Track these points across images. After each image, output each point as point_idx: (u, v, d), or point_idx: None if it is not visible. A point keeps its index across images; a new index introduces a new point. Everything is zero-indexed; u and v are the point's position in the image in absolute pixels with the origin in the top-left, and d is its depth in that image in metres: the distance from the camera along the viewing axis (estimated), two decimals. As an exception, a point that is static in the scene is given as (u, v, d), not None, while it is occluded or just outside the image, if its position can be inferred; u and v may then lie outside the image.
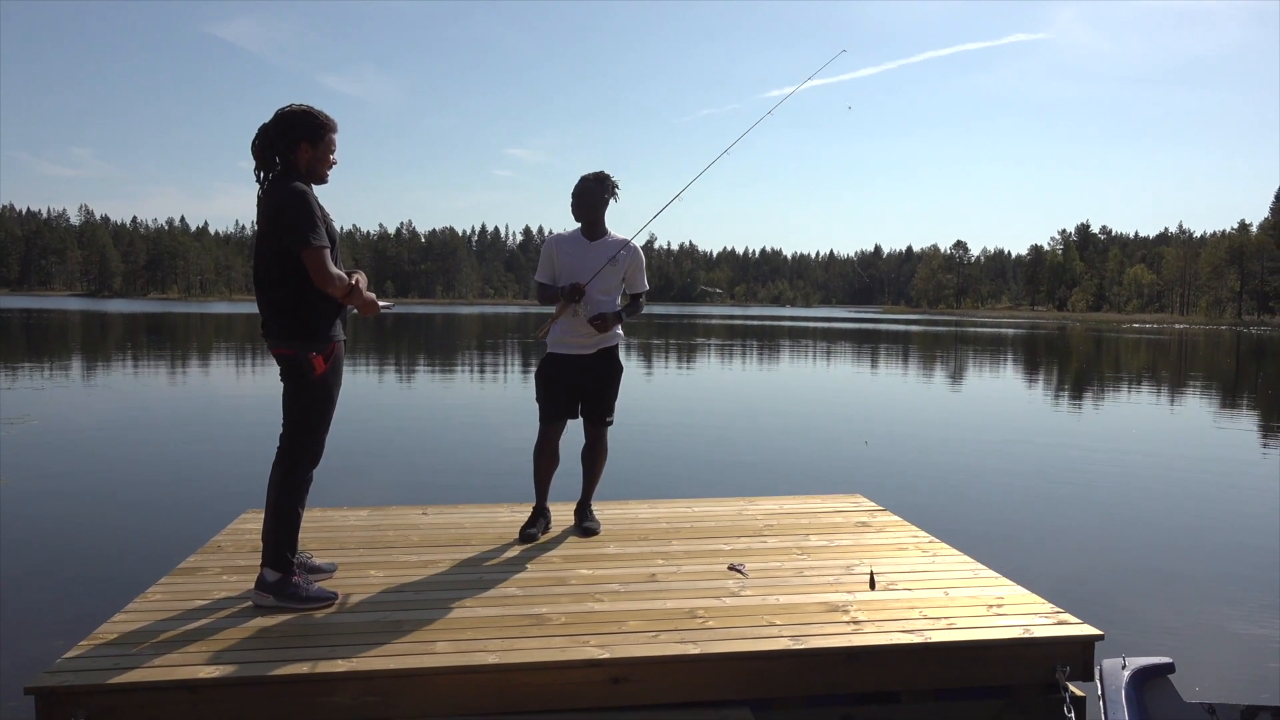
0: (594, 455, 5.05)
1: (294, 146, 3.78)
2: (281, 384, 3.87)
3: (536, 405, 4.91)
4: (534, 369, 4.96)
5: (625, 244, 4.87)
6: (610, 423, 5.00)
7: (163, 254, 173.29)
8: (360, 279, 3.90)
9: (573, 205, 4.85)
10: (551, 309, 4.83)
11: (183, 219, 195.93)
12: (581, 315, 4.72)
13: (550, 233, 5.01)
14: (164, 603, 3.85)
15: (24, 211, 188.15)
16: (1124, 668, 3.57)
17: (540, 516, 4.98)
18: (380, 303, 3.96)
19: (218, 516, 5.80)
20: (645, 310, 5.14)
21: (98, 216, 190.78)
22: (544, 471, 4.95)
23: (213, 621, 3.63)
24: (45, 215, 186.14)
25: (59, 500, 7.70)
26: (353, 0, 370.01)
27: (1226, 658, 4.70)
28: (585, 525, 5.05)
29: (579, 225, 4.88)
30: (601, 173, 4.84)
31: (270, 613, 3.73)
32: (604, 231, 4.87)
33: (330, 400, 3.89)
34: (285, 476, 3.84)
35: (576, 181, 4.84)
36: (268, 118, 3.82)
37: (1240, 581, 5.96)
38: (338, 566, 4.33)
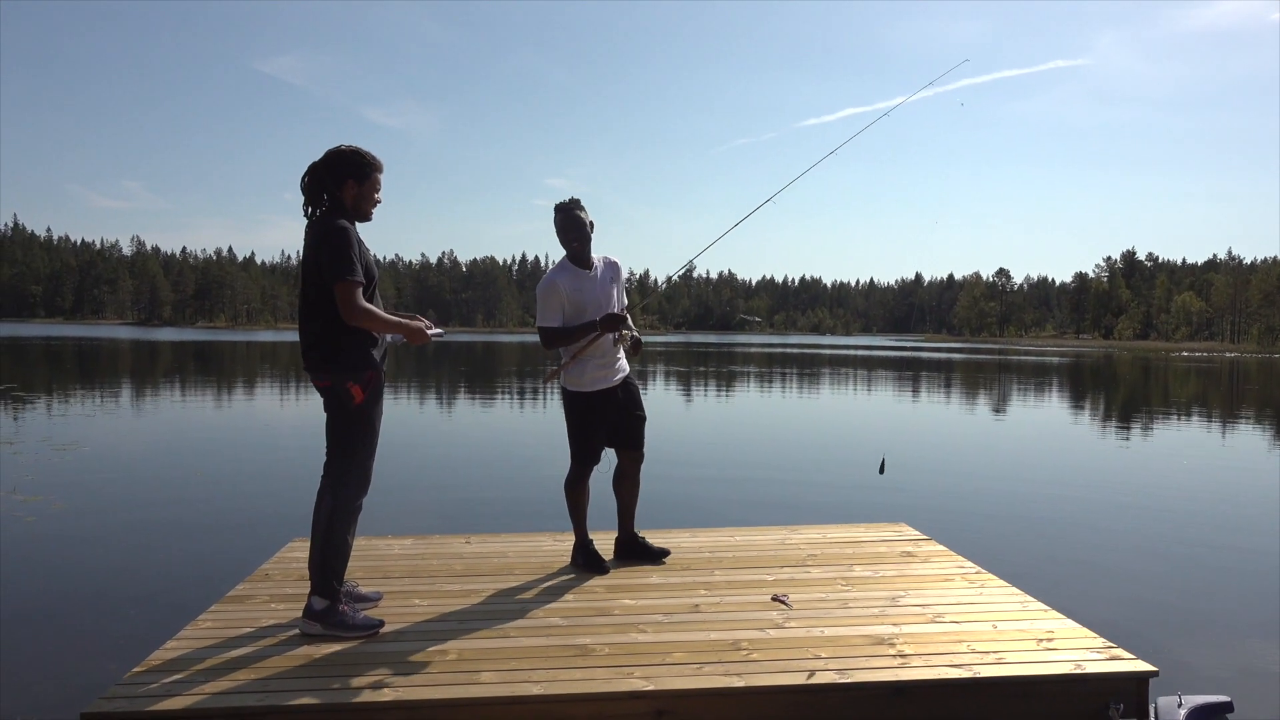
0: (632, 484, 5.04)
1: (341, 184, 3.89)
2: (324, 414, 3.94)
3: (572, 444, 4.84)
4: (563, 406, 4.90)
5: (613, 264, 4.87)
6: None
7: (211, 283, 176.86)
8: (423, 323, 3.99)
9: (570, 237, 4.67)
10: (558, 351, 4.79)
11: (230, 249, 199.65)
12: (626, 341, 4.70)
13: (547, 269, 4.85)
14: (214, 630, 3.91)
15: (78, 242, 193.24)
16: (1180, 706, 3.49)
17: (593, 546, 4.98)
18: (430, 330, 4.02)
19: (266, 544, 5.88)
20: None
21: (148, 247, 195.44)
22: (584, 507, 4.95)
23: (261, 649, 3.68)
24: (98, 246, 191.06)
25: (109, 527, 7.84)
26: (394, 36, 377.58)
27: (1287, 696, 4.56)
28: (655, 550, 5.07)
29: (567, 256, 4.75)
30: (576, 199, 4.76)
31: (317, 641, 3.77)
32: (590, 257, 4.80)
33: (372, 428, 3.95)
34: (335, 505, 3.89)
35: (559, 214, 4.69)
36: (312, 150, 3.97)
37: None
38: (383, 595, 4.37)
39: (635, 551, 5.10)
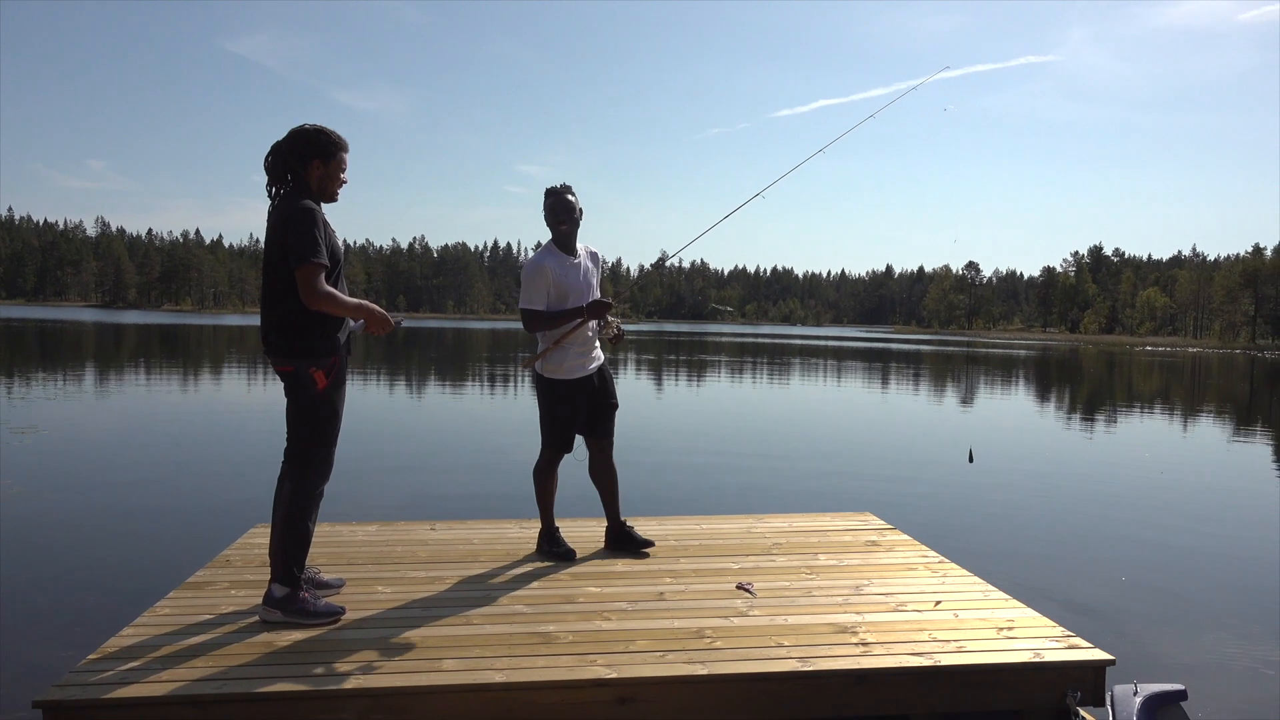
0: (608, 471, 4.99)
1: (306, 164, 3.82)
2: (285, 399, 3.89)
3: (544, 431, 4.82)
4: (535, 394, 4.89)
5: (594, 253, 4.89)
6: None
7: (177, 266, 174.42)
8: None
9: (560, 219, 4.67)
10: (538, 336, 4.77)
11: (197, 231, 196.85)
12: (611, 330, 4.68)
13: (528, 254, 4.87)
14: (172, 617, 3.86)
15: (41, 223, 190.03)
16: (1136, 694, 3.54)
17: (559, 534, 4.97)
18: (393, 317, 3.97)
19: (226, 530, 5.81)
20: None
21: (113, 228, 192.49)
22: (552, 494, 4.94)
23: (220, 636, 3.63)
24: (62, 227, 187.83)
25: (68, 511, 7.72)
26: (367, 17, 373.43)
27: (1239, 686, 4.65)
28: (640, 540, 5.00)
29: (552, 240, 4.74)
30: (568, 185, 4.77)
31: (278, 628, 3.73)
32: (575, 244, 4.80)
33: (335, 414, 3.90)
34: (296, 492, 3.84)
35: (549, 196, 4.70)
36: (282, 133, 3.87)
37: (1254, 608, 5.90)
38: (345, 582, 4.33)
39: (620, 540, 5.05)
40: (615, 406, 4.95)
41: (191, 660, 3.38)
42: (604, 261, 4.98)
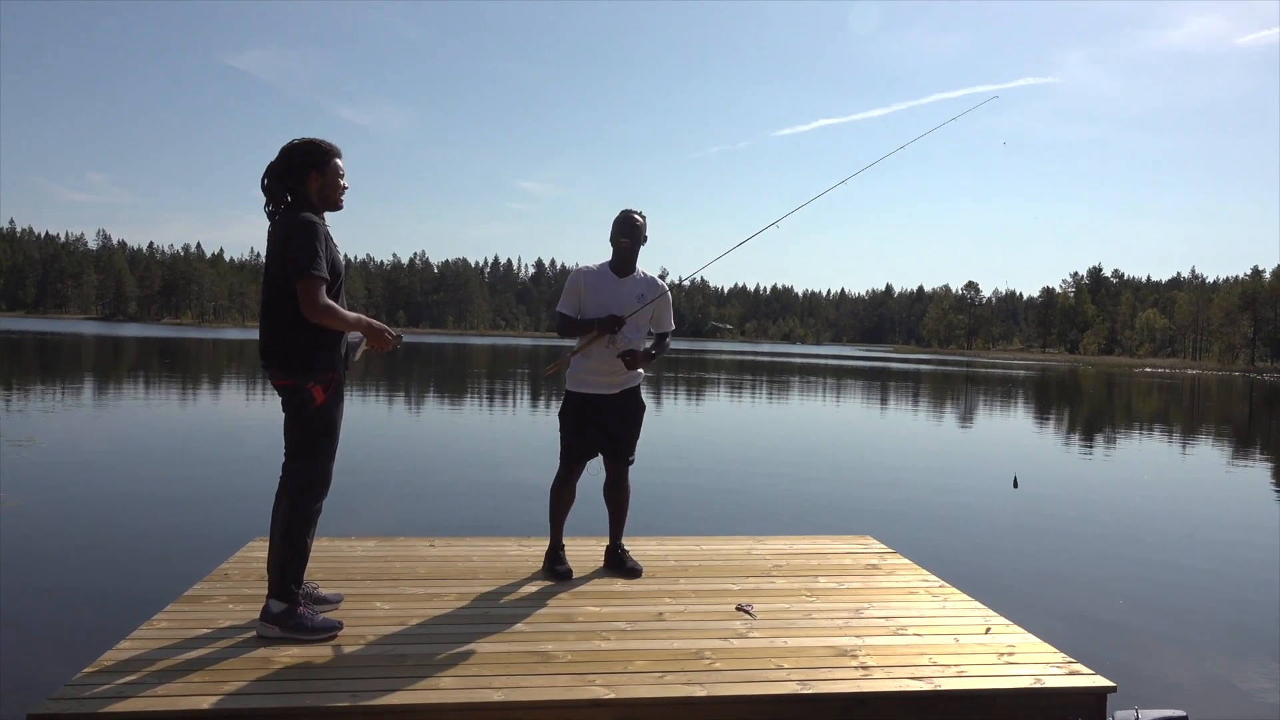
0: (618, 494, 5.02)
1: (304, 178, 3.83)
2: (283, 414, 3.88)
3: (560, 443, 4.87)
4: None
5: (654, 282, 4.90)
6: (631, 462, 4.99)
7: (178, 279, 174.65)
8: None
9: (615, 231, 4.81)
10: (568, 342, 4.83)
11: (198, 245, 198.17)
12: (616, 348, 4.67)
13: (576, 265, 4.95)
14: (169, 630, 3.84)
15: (42, 236, 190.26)
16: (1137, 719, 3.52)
17: (562, 552, 4.96)
18: (392, 332, 3.97)
19: (225, 544, 5.79)
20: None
21: (114, 241, 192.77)
22: (563, 510, 4.95)
23: (217, 651, 3.62)
24: (63, 239, 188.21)
25: (65, 523, 7.69)
26: (367, 34, 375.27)
27: (1240, 711, 4.62)
28: (629, 567, 4.99)
29: (609, 259, 4.85)
30: (641, 212, 4.89)
31: (275, 643, 3.71)
32: (634, 268, 4.87)
33: (333, 429, 3.89)
34: (294, 507, 3.83)
35: (620, 213, 4.85)
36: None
37: (1254, 633, 5.87)
38: (344, 597, 4.32)
39: (612, 562, 5.07)
40: (633, 434, 4.94)
41: (188, 675, 3.36)
42: (667, 293, 4.94)
